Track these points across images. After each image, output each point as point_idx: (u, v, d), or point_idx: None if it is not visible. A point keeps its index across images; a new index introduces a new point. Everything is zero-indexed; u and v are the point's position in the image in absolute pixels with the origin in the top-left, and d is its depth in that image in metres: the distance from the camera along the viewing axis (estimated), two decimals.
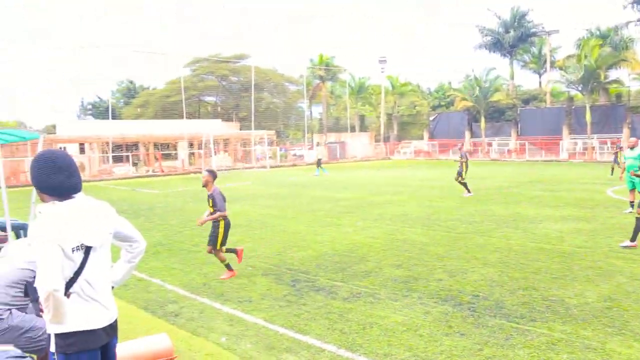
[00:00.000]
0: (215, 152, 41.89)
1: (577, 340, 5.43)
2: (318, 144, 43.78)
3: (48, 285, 2.82)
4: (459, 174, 18.76)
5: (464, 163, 18.74)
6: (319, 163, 33.00)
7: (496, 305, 6.66)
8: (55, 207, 3.02)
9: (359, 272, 8.49)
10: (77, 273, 3.03)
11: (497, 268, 8.44)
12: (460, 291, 7.30)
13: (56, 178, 3.03)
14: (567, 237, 10.66)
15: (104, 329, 3.15)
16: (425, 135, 56.36)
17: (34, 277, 4.16)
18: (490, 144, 49.11)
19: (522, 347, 5.31)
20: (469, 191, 18.49)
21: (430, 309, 6.58)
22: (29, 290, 3.47)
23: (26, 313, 4.39)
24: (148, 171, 40.13)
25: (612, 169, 26.01)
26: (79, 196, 3.15)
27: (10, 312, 4.30)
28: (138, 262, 3.54)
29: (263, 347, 5.58)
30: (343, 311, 6.63)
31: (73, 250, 2.98)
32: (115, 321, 3.28)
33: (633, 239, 9.54)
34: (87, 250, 3.06)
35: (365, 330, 5.94)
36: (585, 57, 41.49)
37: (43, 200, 3.09)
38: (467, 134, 51.75)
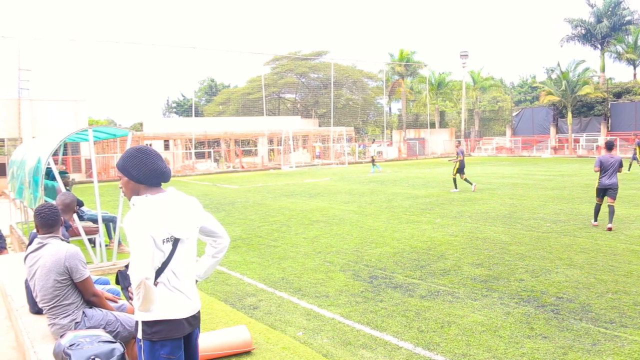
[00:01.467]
0: (294, 148, 42.40)
1: None
2: (374, 141, 43.27)
3: (140, 273, 2.95)
4: (459, 170, 19.72)
5: (460, 161, 19.67)
6: (373, 161, 32.89)
7: (582, 308, 6.36)
8: (148, 200, 3.17)
9: (437, 270, 8.35)
10: (165, 264, 3.15)
11: (584, 270, 8.06)
12: (543, 292, 7.02)
13: (157, 164, 3.21)
14: None
15: (187, 319, 3.25)
16: (508, 131, 54.72)
17: (66, 275, 4.35)
18: (577, 140, 47.02)
19: (611, 353, 5.05)
20: (455, 187, 19.62)
21: (511, 310, 6.38)
22: (119, 278, 3.63)
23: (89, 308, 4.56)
24: (229, 167, 41.16)
25: (630, 164, 26.26)
26: (169, 190, 3.29)
27: (84, 314, 4.48)
28: (221, 258, 3.62)
29: (339, 342, 5.58)
30: (420, 309, 6.54)
31: (163, 242, 3.11)
32: (198, 312, 3.37)
33: None
34: (176, 242, 3.18)
35: (443, 329, 5.83)
36: None
37: (137, 194, 3.23)
38: (552, 129, 49.80)
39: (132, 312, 4.51)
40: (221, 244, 3.56)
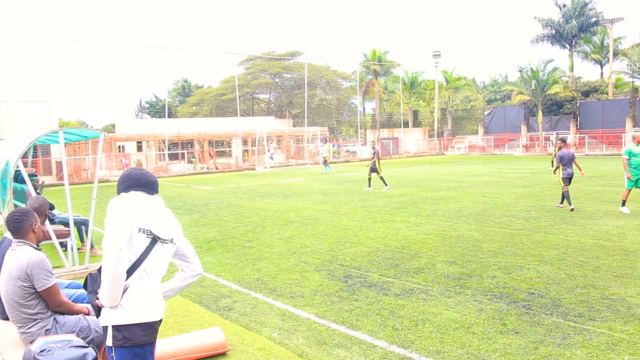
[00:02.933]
0: (268, 149, 42.31)
1: (639, 341, 5.23)
2: (326, 142, 43.39)
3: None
4: (373, 170, 20.50)
5: (373, 161, 20.51)
6: (325, 161, 33.08)
7: (553, 303, 6.48)
8: (134, 194, 3.27)
9: (411, 268, 8.42)
10: (139, 261, 3.11)
11: (554, 265, 8.21)
12: (515, 288, 7.14)
13: (140, 178, 3.40)
14: (629, 234, 10.28)
15: (158, 322, 3.22)
16: (480, 130, 55.36)
17: (29, 283, 4.26)
18: (547, 138, 47.78)
19: (580, 346, 5.15)
20: (369, 185, 20.71)
21: (484, 306, 6.47)
22: (88, 281, 3.58)
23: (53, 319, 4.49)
24: (203, 168, 40.92)
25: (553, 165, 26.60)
26: (157, 198, 3.39)
27: (56, 321, 4.39)
28: (188, 285, 3.55)
29: (314, 342, 5.60)
30: (395, 307, 6.59)
31: (140, 230, 3.09)
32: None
33: None
34: (153, 240, 3.15)
35: (418, 327, 5.88)
36: None
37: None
38: (524, 128, 50.53)
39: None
40: (193, 271, 3.50)
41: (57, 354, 3.62)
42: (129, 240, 3.04)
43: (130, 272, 3.09)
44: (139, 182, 3.32)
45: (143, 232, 3.10)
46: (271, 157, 42.29)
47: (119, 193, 3.31)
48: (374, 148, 21.39)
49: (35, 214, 4.68)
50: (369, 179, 20.78)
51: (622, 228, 10.87)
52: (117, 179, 3.42)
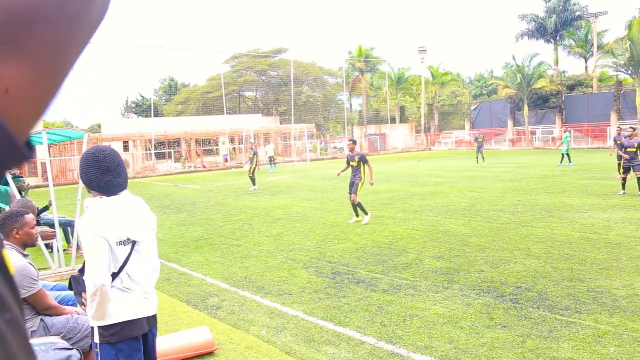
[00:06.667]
0: (255, 146, 42.20)
1: (625, 333, 5.27)
2: (269, 142, 43.13)
3: (97, 279, 2.88)
4: (249, 169, 21.40)
5: (254, 159, 21.42)
6: (272, 160, 33.28)
7: (540, 297, 6.52)
8: (102, 202, 3.11)
9: (399, 264, 8.43)
10: (121, 268, 3.10)
11: (541, 259, 8.25)
12: (502, 283, 7.17)
13: (104, 178, 3.10)
14: (615, 227, 10.36)
15: (145, 318, 3.22)
16: (467, 125, 55.56)
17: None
18: (534, 133, 48.09)
19: (567, 339, 5.18)
20: (254, 185, 21.38)
21: (471, 301, 6.49)
22: (72, 283, 3.54)
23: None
24: (190, 167, 40.75)
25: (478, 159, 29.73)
26: (124, 193, 3.23)
27: (43, 322, 4.31)
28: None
29: (303, 339, 5.59)
30: (383, 304, 6.60)
31: (118, 244, 3.05)
32: (155, 313, 3.34)
33: None
34: (133, 245, 3.13)
35: (406, 323, 5.89)
36: (634, 39, 39.75)
37: (90, 194, 3.18)
38: (510, 122, 50.79)
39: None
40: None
41: (40, 357, 3.57)
42: (109, 264, 3.02)
43: (114, 277, 3.08)
44: (97, 185, 3.10)
45: (121, 244, 3.08)
46: (226, 159, 42.16)
47: (89, 186, 3.15)
48: (254, 148, 22.42)
49: (23, 219, 4.59)
50: (253, 179, 21.51)
51: (608, 221, 10.95)
52: (82, 164, 3.13)
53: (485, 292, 6.81)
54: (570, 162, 25.51)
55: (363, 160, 12.44)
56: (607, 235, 9.65)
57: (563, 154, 25.68)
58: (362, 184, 12.50)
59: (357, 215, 12.42)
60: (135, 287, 3.15)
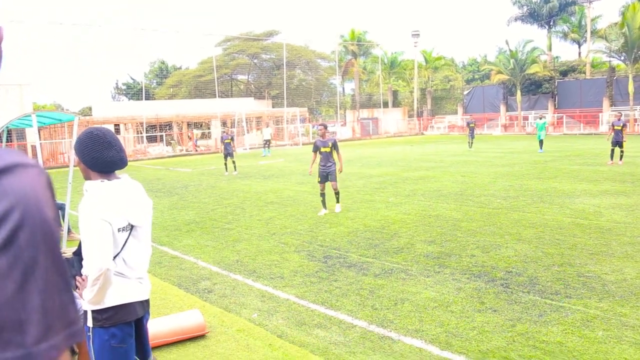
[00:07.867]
0: (247, 130, 42.07)
1: (613, 317, 5.31)
2: (267, 125, 42.72)
3: (102, 264, 2.83)
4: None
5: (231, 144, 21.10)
6: (267, 143, 33.25)
7: (530, 281, 6.56)
8: (103, 186, 3.05)
9: (390, 248, 8.46)
10: (119, 252, 3.07)
11: (532, 244, 8.30)
12: (493, 267, 7.21)
13: (109, 153, 3.05)
14: (605, 212, 10.42)
15: (139, 302, 3.20)
16: (460, 109, 55.53)
17: None
18: (526, 118, 48.14)
19: (556, 323, 5.23)
20: (231, 170, 21.34)
21: (462, 285, 6.52)
22: (67, 265, 3.50)
23: None
24: (182, 150, 40.58)
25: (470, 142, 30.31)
26: (124, 177, 3.18)
27: None
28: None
29: (294, 323, 5.61)
30: (374, 287, 6.62)
31: (119, 230, 3.02)
32: (148, 298, 3.32)
33: None
34: (131, 229, 3.10)
35: (397, 307, 5.92)
36: (629, 24, 39.63)
37: (89, 178, 3.10)
38: (503, 107, 50.81)
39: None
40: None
41: None
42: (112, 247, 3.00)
43: None
44: (98, 162, 3.04)
45: (122, 229, 3.05)
46: (196, 144, 41.92)
47: (87, 165, 3.10)
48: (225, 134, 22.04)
49: None
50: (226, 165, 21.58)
51: (599, 207, 11.01)
52: (76, 140, 3.08)
53: (476, 277, 6.84)
54: (541, 149, 25.46)
55: (335, 145, 11.83)
56: (597, 221, 9.70)
57: (539, 140, 25.66)
58: (339, 169, 11.89)
59: (325, 207, 11.87)
60: (129, 272, 3.13)
